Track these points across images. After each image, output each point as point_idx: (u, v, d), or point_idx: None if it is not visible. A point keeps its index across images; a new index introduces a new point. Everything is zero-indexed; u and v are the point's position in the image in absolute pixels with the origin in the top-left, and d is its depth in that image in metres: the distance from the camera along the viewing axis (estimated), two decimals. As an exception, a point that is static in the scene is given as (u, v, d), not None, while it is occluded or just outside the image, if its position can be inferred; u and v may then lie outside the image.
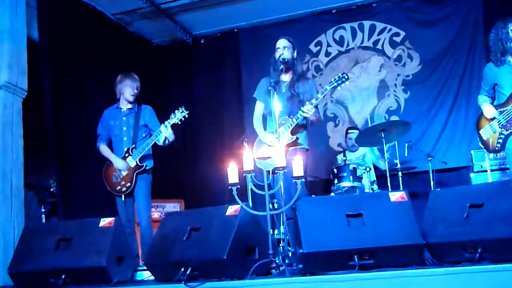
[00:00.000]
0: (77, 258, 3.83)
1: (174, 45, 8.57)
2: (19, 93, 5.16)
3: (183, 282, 3.35)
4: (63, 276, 3.80)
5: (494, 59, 4.74)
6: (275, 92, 4.44)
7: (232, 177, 3.65)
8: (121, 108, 5.45)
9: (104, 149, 5.42)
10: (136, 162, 5.23)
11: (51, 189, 7.03)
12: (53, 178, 6.63)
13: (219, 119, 8.19)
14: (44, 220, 6.83)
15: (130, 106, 5.45)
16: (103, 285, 3.72)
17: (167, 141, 5.26)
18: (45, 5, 6.07)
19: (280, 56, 4.78)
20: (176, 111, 5.21)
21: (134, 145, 5.30)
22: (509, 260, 2.90)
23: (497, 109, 4.68)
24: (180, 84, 8.47)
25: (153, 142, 5.22)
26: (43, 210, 6.91)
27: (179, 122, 5.21)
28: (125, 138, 5.35)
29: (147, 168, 5.30)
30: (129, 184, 5.22)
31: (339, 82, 4.69)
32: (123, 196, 5.24)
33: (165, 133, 5.14)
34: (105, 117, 5.50)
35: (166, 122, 5.16)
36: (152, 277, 3.88)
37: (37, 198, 7.04)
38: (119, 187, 5.25)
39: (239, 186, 3.65)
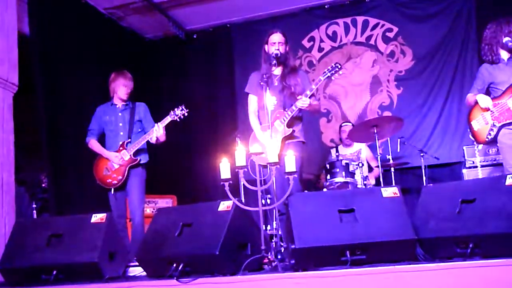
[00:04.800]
0: (68, 254, 3.80)
1: (166, 40, 8.55)
2: (10, 88, 5.11)
3: (175, 278, 3.34)
4: (54, 272, 3.76)
5: (487, 59, 4.77)
6: (267, 88, 4.43)
7: (224, 172, 3.64)
8: (116, 104, 5.46)
9: (94, 143, 5.43)
10: (130, 155, 5.23)
11: (43, 185, 7.01)
12: (45, 174, 6.60)
13: (212, 115, 8.17)
14: (35, 216, 6.80)
15: (125, 103, 5.46)
16: (95, 281, 3.69)
17: (155, 139, 5.26)
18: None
19: (274, 51, 4.76)
20: (176, 108, 5.22)
21: (129, 139, 5.30)
22: (500, 255, 2.90)
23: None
24: (173, 79, 8.45)
25: (147, 138, 5.23)
26: (34, 206, 6.88)
27: (178, 120, 5.20)
28: (121, 133, 5.37)
29: (141, 162, 5.30)
30: (120, 177, 5.22)
31: (333, 72, 4.71)
32: (112, 189, 5.23)
33: (157, 132, 5.15)
34: (99, 112, 5.50)
35: (159, 123, 5.18)
36: (144, 273, 3.86)
37: (29, 194, 7.01)
38: (109, 179, 5.25)
39: (231, 182, 3.64)
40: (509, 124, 4.56)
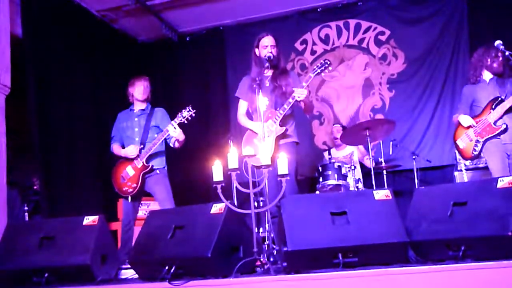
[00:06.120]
0: (60, 256, 3.79)
1: (159, 42, 8.52)
2: (2, 89, 5.09)
3: (167, 281, 3.33)
4: (46, 275, 3.74)
5: (469, 81, 5.12)
6: (260, 90, 4.43)
7: (217, 175, 3.63)
8: (134, 110, 5.41)
9: (115, 148, 5.37)
10: (143, 162, 5.16)
11: (35, 187, 6.98)
12: (37, 176, 6.57)
13: (205, 117, 8.15)
14: (27, 218, 6.77)
15: (143, 107, 5.41)
16: (87, 283, 3.69)
17: (176, 143, 5.20)
18: (29, 1, 6.01)
19: (267, 54, 4.76)
20: (183, 110, 5.15)
21: (142, 146, 5.23)
22: (492, 257, 2.92)
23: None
24: (165, 81, 8.43)
25: (159, 142, 5.15)
26: (26, 208, 6.85)
27: (186, 122, 5.14)
28: (136, 139, 5.30)
29: (154, 168, 5.23)
30: (135, 185, 5.15)
31: (322, 68, 4.76)
32: (129, 197, 5.17)
33: (173, 133, 5.07)
34: (119, 119, 5.47)
35: (172, 122, 5.10)
36: (136, 276, 3.86)
37: (21, 196, 6.97)
38: (125, 187, 5.19)
39: (223, 184, 3.64)
40: (491, 137, 4.87)
